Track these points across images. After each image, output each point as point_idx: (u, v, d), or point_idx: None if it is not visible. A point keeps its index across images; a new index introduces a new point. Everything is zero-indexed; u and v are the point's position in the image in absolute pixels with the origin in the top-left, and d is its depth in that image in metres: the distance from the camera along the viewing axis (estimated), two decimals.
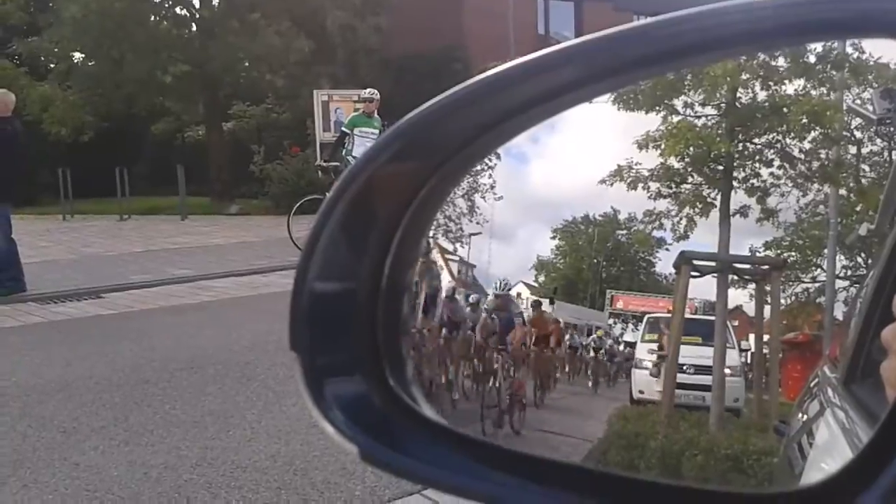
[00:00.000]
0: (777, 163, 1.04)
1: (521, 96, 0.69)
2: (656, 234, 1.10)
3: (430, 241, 0.91)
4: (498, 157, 0.85)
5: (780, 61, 0.98)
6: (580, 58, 0.70)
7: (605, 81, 0.73)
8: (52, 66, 30.74)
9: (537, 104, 0.70)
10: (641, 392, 1.18)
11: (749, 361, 1.12)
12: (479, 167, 0.86)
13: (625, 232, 1.17)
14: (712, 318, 1.11)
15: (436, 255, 1.04)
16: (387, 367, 0.71)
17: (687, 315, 1.14)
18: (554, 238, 1.19)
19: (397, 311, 0.73)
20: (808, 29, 0.72)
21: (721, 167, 1.05)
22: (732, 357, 1.10)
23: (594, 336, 1.30)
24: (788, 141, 1.05)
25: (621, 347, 1.30)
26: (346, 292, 0.69)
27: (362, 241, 0.69)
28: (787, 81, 1.02)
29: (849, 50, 0.91)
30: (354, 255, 0.70)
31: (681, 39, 0.69)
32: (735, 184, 1.04)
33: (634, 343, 1.25)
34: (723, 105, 1.04)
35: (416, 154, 0.70)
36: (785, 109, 1.02)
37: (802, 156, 1.05)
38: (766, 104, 1.02)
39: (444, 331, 1.15)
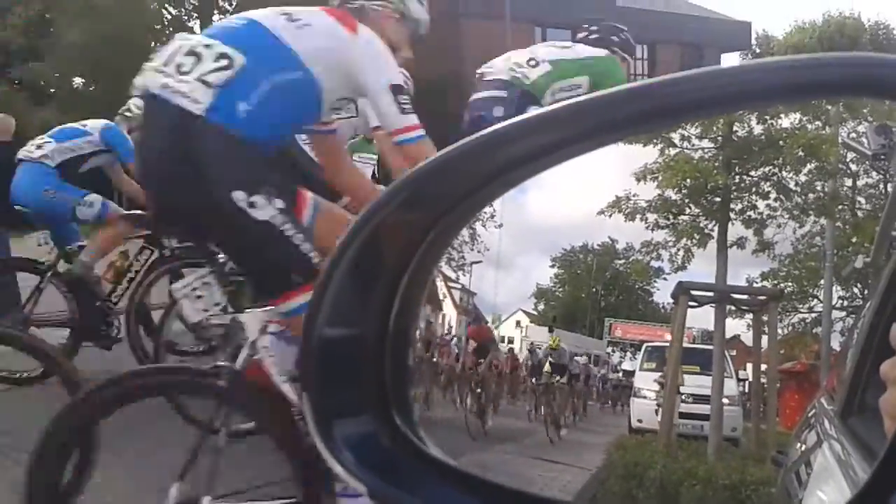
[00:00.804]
0: (773, 195, 1.06)
1: (525, 149, 0.71)
2: (654, 264, 1.11)
3: (435, 274, 0.92)
4: None
5: None
6: (584, 114, 0.71)
7: (608, 136, 0.75)
8: (52, 91, 30.82)
9: (540, 157, 0.72)
10: (640, 421, 1.19)
11: (747, 391, 1.13)
12: (482, 214, 0.87)
13: (623, 262, 1.18)
14: (710, 347, 1.12)
15: (439, 284, 1.05)
16: (394, 408, 0.72)
17: (685, 344, 1.14)
18: (553, 266, 1.20)
19: (404, 354, 0.74)
20: (811, 90, 0.73)
21: (718, 199, 1.06)
22: (730, 386, 1.11)
23: (547, 346, 1.31)
24: (784, 174, 1.06)
25: (616, 374, 1.31)
26: (354, 337, 0.70)
27: (370, 286, 0.71)
28: (782, 115, 1.03)
29: None
30: (362, 301, 0.71)
31: (687, 98, 0.71)
32: (732, 215, 1.06)
33: (633, 372, 1.25)
34: (719, 138, 1.05)
35: (423, 203, 0.72)
36: (781, 143, 1.04)
37: (798, 188, 1.06)
38: (763, 137, 1.04)
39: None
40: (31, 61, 28.45)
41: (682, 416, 0.99)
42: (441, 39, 26.71)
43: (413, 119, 2.58)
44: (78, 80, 29.68)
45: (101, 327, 5.19)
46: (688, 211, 0.96)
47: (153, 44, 27.71)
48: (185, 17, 27.73)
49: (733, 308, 0.99)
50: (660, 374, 1.07)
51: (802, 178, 0.96)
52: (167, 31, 27.91)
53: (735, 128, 0.96)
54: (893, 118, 0.98)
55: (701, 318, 1.02)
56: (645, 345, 1.19)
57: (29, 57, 29.09)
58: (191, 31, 27.38)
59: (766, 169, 0.97)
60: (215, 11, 27.93)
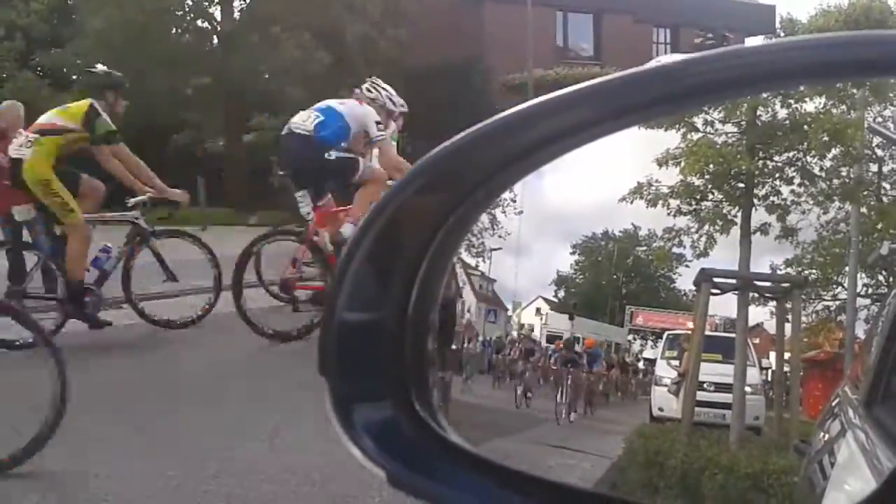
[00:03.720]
0: (797, 180, 1.04)
1: (546, 131, 0.70)
2: (676, 250, 1.09)
3: (455, 261, 0.92)
4: None
5: None
6: (607, 95, 0.70)
7: (631, 117, 0.74)
8: (74, 77, 31.06)
9: (562, 139, 0.71)
10: (661, 409, 1.17)
11: (770, 379, 1.12)
12: (501, 199, 0.87)
13: (644, 248, 1.17)
14: (733, 335, 1.11)
15: (459, 271, 1.04)
16: (414, 394, 0.72)
17: (707, 332, 1.13)
18: (573, 253, 1.18)
19: (423, 339, 0.74)
20: (841, 69, 0.71)
21: (741, 184, 1.04)
22: (753, 375, 1.10)
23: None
24: (809, 159, 1.04)
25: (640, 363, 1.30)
26: (373, 321, 0.71)
27: (389, 271, 0.71)
28: (807, 99, 1.01)
29: None
30: (382, 286, 0.71)
31: (712, 77, 0.70)
32: (755, 201, 1.04)
33: (654, 360, 1.24)
34: (743, 122, 1.04)
35: (441, 187, 0.71)
36: (805, 127, 1.01)
37: (823, 173, 1.04)
38: (787, 122, 1.02)
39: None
40: (54, 48, 28.63)
41: (704, 404, 0.99)
42: (464, 23, 26.61)
43: None
44: (100, 67, 29.95)
45: None
46: (711, 197, 0.95)
47: (174, 30, 27.87)
48: (206, 4, 27.83)
49: (756, 295, 0.98)
50: (676, 361, 1.06)
51: (827, 163, 0.95)
52: (188, 18, 28.05)
53: (759, 112, 0.94)
54: None
55: (723, 307, 1.01)
56: (666, 333, 1.17)
57: (52, 44, 29.27)
58: (213, 18, 27.49)
59: (791, 154, 0.96)
60: None
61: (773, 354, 1.07)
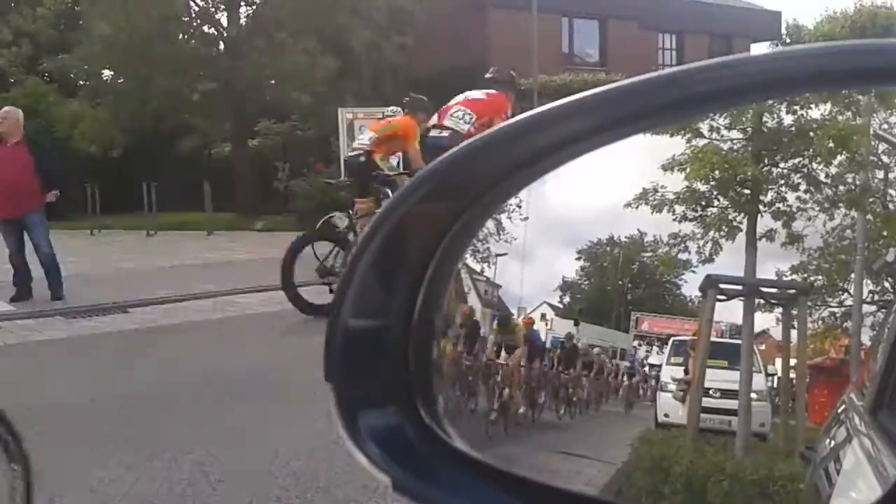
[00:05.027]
0: (803, 187, 1.04)
1: (553, 138, 0.71)
2: (682, 256, 1.09)
3: (460, 267, 0.92)
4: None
5: None
6: (615, 102, 0.71)
7: (637, 125, 0.74)
8: (81, 83, 31.18)
9: (568, 146, 0.71)
10: (666, 416, 1.17)
11: (775, 386, 1.12)
12: (506, 205, 0.87)
13: (650, 254, 1.17)
14: (738, 341, 1.11)
15: (464, 276, 1.05)
16: (419, 400, 0.72)
17: (713, 338, 1.13)
18: (579, 259, 1.18)
19: (428, 346, 0.74)
20: (845, 78, 0.72)
21: (747, 191, 1.05)
22: (759, 381, 1.10)
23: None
24: (815, 165, 1.04)
25: (646, 369, 1.29)
26: (378, 328, 0.71)
27: (394, 278, 0.71)
28: (813, 106, 1.01)
29: None
30: (387, 292, 0.71)
31: (719, 84, 0.70)
32: (761, 207, 1.04)
33: (659, 366, 1.24)
34: (748, 129, 1.04)
35: (447, 194, 0.72)
36: (811, 133, 1.02)
37: (829, 180, 1.04)
38: (792, 128, 1.02)
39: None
40: (61, 53, 28.76)
41: (710, 410, 0.98)
42: (469, 29, 26.86)
43: None
44: (107, 73, 30.08)
45: None
46: (716, 203, 0.94)
47: (181, 36, 28.01)
48: (213, 10, 27.94)
49: (762, 302, 0.98)
50: (681, 367, 1.05)
51: (833, 169, 0.94)
52: (194, 24, 28.16)
53: (764, 118, 0.94)
54: None
55: (729, 313, 1.00)
56: (672, 339, 1.16)
57: (58, 49, 29.39)
58: (219, 24, 27.60)
59: (796, 160, 0.95)
60: (242, 3, 28.12)
61: (778, 361, 1.07)
